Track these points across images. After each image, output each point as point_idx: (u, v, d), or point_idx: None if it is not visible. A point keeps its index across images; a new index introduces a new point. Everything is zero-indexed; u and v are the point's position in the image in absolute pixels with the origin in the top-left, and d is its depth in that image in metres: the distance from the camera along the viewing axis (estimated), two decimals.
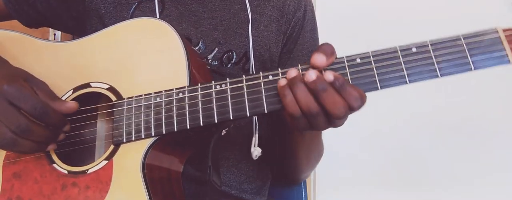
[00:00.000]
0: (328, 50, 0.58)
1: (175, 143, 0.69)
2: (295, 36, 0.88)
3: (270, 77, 0.62)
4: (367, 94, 0.58)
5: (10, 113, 0.62)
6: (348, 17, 1.41)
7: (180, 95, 0.65)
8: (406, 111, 1.28)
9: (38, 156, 0.70)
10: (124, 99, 0.68)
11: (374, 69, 0.58)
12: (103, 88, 0.70)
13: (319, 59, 0.57)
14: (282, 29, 0.86)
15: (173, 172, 0.70)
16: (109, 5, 0.82)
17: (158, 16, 0.81)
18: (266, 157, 0.92)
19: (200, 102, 0.64)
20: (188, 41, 0.73)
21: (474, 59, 0.55)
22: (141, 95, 0.67)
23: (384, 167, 1.37)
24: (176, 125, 0.64)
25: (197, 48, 0.81)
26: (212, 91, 0.64)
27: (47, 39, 0.78)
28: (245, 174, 0.85)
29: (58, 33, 1.52)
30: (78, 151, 0.73)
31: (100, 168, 0.66)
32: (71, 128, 0.70)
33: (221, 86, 0.63)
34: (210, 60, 0.81)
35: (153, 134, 0.65)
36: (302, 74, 0.58)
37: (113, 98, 0.69)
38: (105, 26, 0.74)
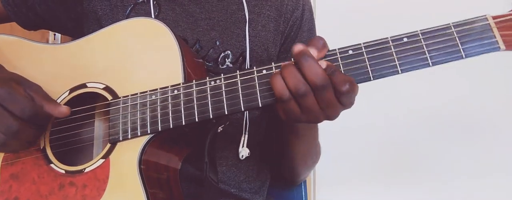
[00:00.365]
0: (319, 43, 0.59)
1: (172, 140, 0.69)
2: (293, 36, 0.88)
3: (264, 72, 0.62)
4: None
5: (1, 115, 0.63)
6: (348, 16, 1.42)
7: (175, 92, 0.65)
8: (406, 110, 1.28)
9: (35, 156, 0.70)
10: (120, 98, 0.68)
11: (366, 60, 0.58)
12: (99, 88, 0.70)
13: (311, 51, 0.57)
14: (280, 29, 0.86)
15: (170, 169, 0.70)
16: (105, 7, 0.83)
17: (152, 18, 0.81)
18: (265, 158, 0.92)
19: (195, 98, 0.64)
20: (183, 41, 0.74)
21: (465, 47, 0.55)
22: (136, 94, 0.67)
23: (384, 166, 1.37)
24: (172, 121, 0.64)
25: (193, 48, 0.81)
26: (206, 87, 0.64)
27: (44, 42, 0.78)
28: (245, 174, 0.85)
29: (58, 34, 1.53)
30: (76, 151, 0.73)
31: (97, 167, 0.66)
32: (69, 128, 0.70)
33: (215, 82, 0.64)
34: (206, 60, 0.82)
35: (149, 131, 0.65)
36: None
37: (109, 97, 0.69)
38: (102, 28, 0.75)
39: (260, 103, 0.61)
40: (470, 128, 1.32)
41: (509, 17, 0.54)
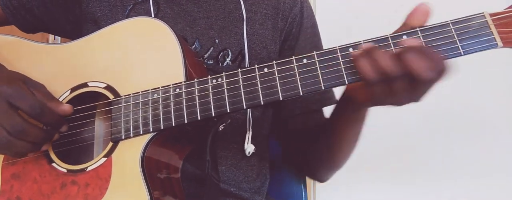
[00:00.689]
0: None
1: (174, 138, 0.69)
2: (295, 33, 0.89)
3: (265, 70, 0.63)
4: None
5: (8, 113, 0.63)
6: (348, 16, 1.42)
7: (177, 90, 0.66)
8: (407, 110, 1.28)
9: (37, 156, 0.70)
10: (121, 97, 0.69)
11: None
12: (100, 87, 0.71)
13: (411, 41, 0.56)
14: (278, 26, 0.87)
15: (172, 167, 0.70)
16: (104, 7, 0.83)
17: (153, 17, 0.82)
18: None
19: (197, 96, 0.65)
20: (184, 40, 0.74)
21: (463, 44, 0.56)
22: (138, 92, 0.68)
23: (385, 166, 1.37)
24: (174, 119, 0.65)
25: (193, 47, 0.82)
26: (208, 86, 0.65)
27: (44, 42, 0.78)
28: (244, 174, 0.86)
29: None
30: (77, 150, 0.73)
31: (99, 165, 0.66)
32: (69, 127, 0.70)
33: (217, 80, 0.65)
34: (206, 59, 0.82)
35: (151, 130, 0.66)
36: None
37: (111, 96, 0.69)
38: (100, 29, 0.75)
39: (262, 101, 0.62)
40: (470, 128, 1.32)
41: (506, 15, 0.55)
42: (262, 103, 0.62)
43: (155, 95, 0.67)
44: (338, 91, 0.72)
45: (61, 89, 0.72)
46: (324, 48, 0.92)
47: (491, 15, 0.56)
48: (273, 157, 0.95)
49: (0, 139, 0.63)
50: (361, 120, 0.73)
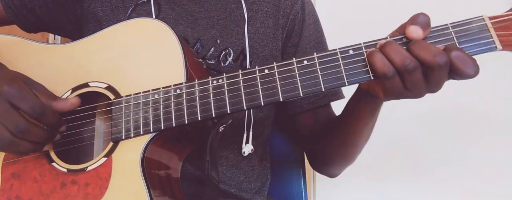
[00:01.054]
0: (424, 21, 0.56)
1: (174, 139, 0.70)
2: (298, 30, 0.89)
3: (266, 71, 0.63)
4: None
5: (10, 114, 0.63)
6: (348, 16, 1.43)
7: (178, 91, 0.66)
8: (407, 110, 1.29)
9: (37, 155, 0.70)
10: (122, 97, 0.69)
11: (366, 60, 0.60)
12: (101, 88, 0.71)
13: (416, 31, 0.56)
14: (279, 23, 0.87)
15: (172, 167, 0.70)
16: (106, 8, 0.84)
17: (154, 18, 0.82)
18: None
19: (197, 97, 0.65)
20: (184, 41, 0.74)
21: (463, 47, 0.57)
22: (139, 93, 0.68)
23: (385, 166, 1.37)
24: (175, 120, 0.65)
25: (194, 48, 0.82)
26: (209, 86, 0.65)
27: (45, 42, 0.79)
28: (245, 174, 0.86)
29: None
30: (77, 150, 0.73)
31: (99, 165, 0.67)
32: (70, 127, 0.71)
33: (218, 82, 0.65)
34: (207, 59, 0.82)
35: (151, 130, 0.66)
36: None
37: (112, 96, 0.70)
38: (103, 29, 0.75)
39: (262, 102, 0.62)
40: (471, 129, 1.33)
41: (505, 18, 0.55)
42: (262, 104, 0.62)
43: (156, 96, 0.67)
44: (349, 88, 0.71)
45: (62, 89, 0.73)
46: (327, 43, 0.93)
47: (491, 18, 0.56)
48: (274, 156, 0.96)
49: (3, 139, 0.64)
50: (377, 114, 0.73)
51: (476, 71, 0.55)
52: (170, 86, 0.67)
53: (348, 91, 0.75)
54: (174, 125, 0.65)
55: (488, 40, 0.56)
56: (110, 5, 0.84)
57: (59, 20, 0.88)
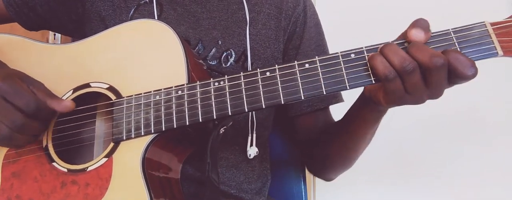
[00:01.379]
0: (425, 25, 0.57)
1: (175, 140, 0.70)
2: (299, 32, 0.89)
3: (268, 74, 0.64)
4: None
5: (6, 109, 0.64)
6: (348, 16, 1.43)
7: (179, 92, 0.66)
8: (407, 111, 1.29)
9: (37, 155, 0.70)
10: (123, 98, 0.69)
11: (368, 64, 0.60)
12: (102, 88, 0.71)
13: (417, 34, 0.57)
14: (281, 25, 0.87)
15: (173, 168, 0.71)
16: (108, 8, 0.84)
17: (156, 19, 0.82)
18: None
19: (199, 99, 0.65)
20: (186, 42, 0.74)
21: (464, 52, 0.57)
22: (140, 94, 0.68)
23: (385, 165, 1.38)
24: (176, 121, 0.65)
25: (196, 49, 0.82)
26: (210, 88, 0.65)
27: (47, 42, 0.79)
28: (245, 175, 0.86)
29: (58, 34, 1.54)
30: (78, 150, 0.73)
31: (100, 166, 0.67)
32: (70, 127, 0.71)
33: (219, 83, 0.65)
34: (209, 59, 0.83)
35: (152, 131, 0.66)
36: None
37: (113, 97, 0.70)
38: (107, 28, 0.75)
39: (263, 104, 0.62)
40: (471, 130, 1.33)
41: (507, 24, 0.55)
42: (264, 106, 0.63)
43: (157, 97, 0.67)
44: (348, 92, 0.72)
45: (63, 89, 0.73)
46: (327, 46, 0.93)
47: (492, 24, 0.56)
48: (274, 157, 0.96)
49: (2, 134, 0.64)
50: (379, 121, 0.74)
51: (474, 73, 0.55)
52: (171, 87, 0.67)
53: (348, 95, 0.75)
54: (175, 126, 0.65)
55: (490, 46, 0.56)
56: (112, 4, 0.84)
57: (60, 18, 0.88)
